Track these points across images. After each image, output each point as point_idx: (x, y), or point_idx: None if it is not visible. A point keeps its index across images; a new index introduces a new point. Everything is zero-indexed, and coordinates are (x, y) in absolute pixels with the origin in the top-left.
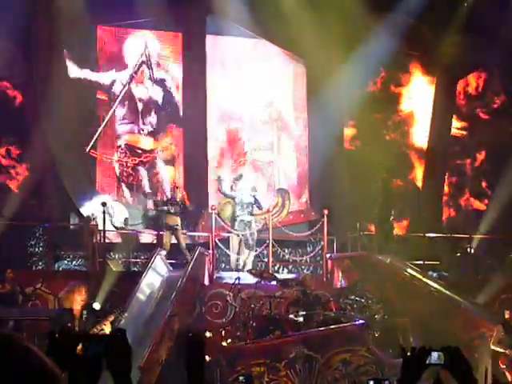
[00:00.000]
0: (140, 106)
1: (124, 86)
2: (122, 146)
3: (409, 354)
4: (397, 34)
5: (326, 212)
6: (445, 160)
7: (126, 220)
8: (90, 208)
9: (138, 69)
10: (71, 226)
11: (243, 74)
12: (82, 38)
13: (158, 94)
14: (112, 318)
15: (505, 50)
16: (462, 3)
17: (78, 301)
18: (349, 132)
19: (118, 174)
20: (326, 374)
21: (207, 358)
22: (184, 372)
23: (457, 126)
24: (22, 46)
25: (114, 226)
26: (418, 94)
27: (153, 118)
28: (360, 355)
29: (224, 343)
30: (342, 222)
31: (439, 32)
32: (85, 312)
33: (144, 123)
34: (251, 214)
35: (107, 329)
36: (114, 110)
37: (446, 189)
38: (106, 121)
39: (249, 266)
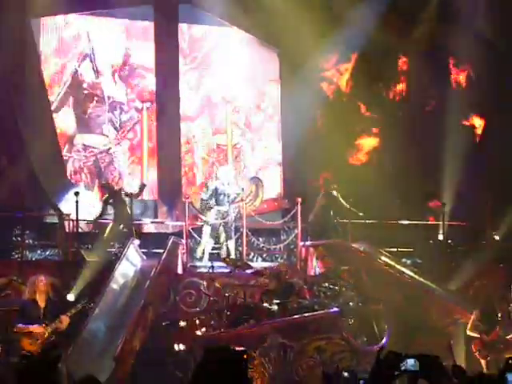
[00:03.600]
0: (97, 101)
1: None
2: (79, 147)
3: (382, 357)
4: (369, 21)
5: (299, 200)
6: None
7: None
8: (63, 198)
9: (82, 62)
10: (45, 216)
11: (215, 62)
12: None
13: (121, 91)
14: (74, 311)
15: (477, 38)
16: None
17: (41, 292)
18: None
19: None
20: (301, 362)
21: (182, 346)
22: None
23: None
24: None
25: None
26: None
27: (116, 116)
28: (334, 343)
29: (198, 332)
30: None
31: (412, 20)
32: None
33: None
34: (230, 202)
35: (65, 324)
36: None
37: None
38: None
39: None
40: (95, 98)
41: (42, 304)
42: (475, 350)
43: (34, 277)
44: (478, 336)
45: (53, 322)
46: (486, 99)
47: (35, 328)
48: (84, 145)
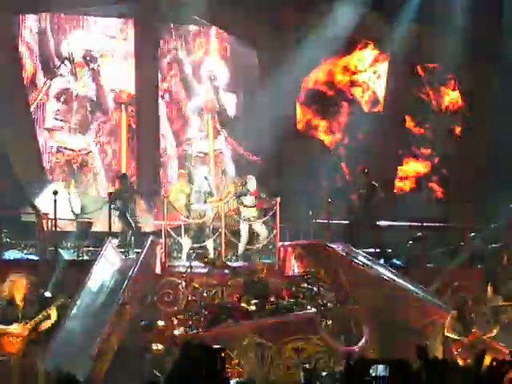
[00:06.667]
0: (75, 102)
1: (45, 82)
2: (53, 149)
3: (351, 363)
4: (349, 20)
5: (278, 200)
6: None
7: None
8: (41, 196)
9: (61, 64)
10: (22, 214)
11: (193, 61)
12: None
13: (99, 92)
14: (55, 306)
15: (456, 38)
16: None
17: (19, 291)
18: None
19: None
20: (279, 362)
21: (159, 346)
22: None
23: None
24: None
25: (73, 213)
26: (371, 81)
27: (87, 115)
28: (312, 343)
29: (176, 332)
30: (295, 210)
31: (391, 20)
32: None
33: (77, 120)
34: (205, 201)
35: (53, 315)
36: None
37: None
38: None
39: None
40: (72, 99)
41: (20, 303)
42: (455, 351)
43: (12, 276)
44: (457, 337)
45: (33, 319)
46: None
47: (15, 328)
48: (59, 146)
